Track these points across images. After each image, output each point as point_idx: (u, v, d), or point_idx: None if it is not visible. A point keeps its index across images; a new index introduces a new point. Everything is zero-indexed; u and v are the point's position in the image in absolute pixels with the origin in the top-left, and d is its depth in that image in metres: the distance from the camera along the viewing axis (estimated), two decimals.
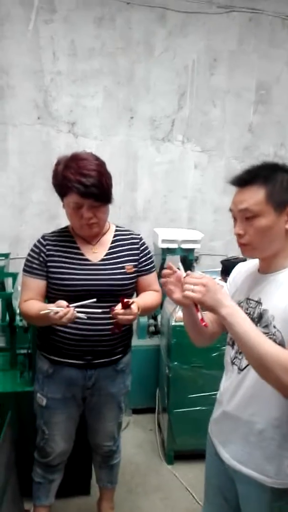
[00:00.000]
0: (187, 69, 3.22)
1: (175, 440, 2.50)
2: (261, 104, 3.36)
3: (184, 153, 3.35)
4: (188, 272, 1.14)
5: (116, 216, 3.37)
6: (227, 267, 2.44)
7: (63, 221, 1.72)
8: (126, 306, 1.46)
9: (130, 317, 1.47)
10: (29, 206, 3.18)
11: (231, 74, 3.28)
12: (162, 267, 3.04)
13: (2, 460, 1.67)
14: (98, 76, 3.10)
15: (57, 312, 1.41)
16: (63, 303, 1.44)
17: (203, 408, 2.44)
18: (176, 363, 2.41)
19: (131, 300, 1.49)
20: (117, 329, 1.55)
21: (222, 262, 2.52)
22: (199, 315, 1.14)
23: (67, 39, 3.02)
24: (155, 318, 3.07)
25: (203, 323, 1.13)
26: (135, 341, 2.91)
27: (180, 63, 3.20)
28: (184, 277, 1.11)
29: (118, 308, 1.46)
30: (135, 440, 2.74)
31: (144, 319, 2.99)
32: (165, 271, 1.20)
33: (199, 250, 3.19)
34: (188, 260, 3.09)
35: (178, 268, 1.20)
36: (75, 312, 1.44)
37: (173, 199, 3.42)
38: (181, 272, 1.18)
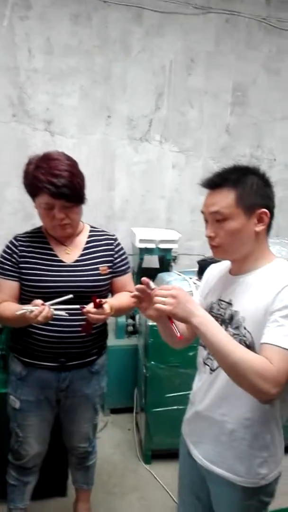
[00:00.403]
0: (165, 69, 3.22)
1: (152, 439, 2.50)
2: (237, 105, 3.39)
3: (161, 153, 3.35)
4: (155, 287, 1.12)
5: (93, 215, 3.38)
6: (203, 267, 2.44)
7: (39, 221, 1.69)
8: (98, 305, 1.45)
9: (102, 316, 1.46)
10: (4, 205, 3.14)
11: (208, 75, 3.30)
12: (140, 267, 3.05)
13: None
14: (75, 74, 3.08)
15: (32, 311, 1.39)
16: (39, 301, 1.42)
17: (180, 407, 2.43)
18: (153, 362, 2.41)
19: (103, 300, 1.48)
20: (87, 328, 1.53)
21: (199, 262, 2.53)
22: (174, 327, 1.13)
23: (43, 36, 2.98)
24: (133, 318, 3.07)
25: (178, 335, 1.12)
26: (114, 341, 2.93)
27: (157, 63, 3.20)
28: (152, 290, 1.11)
29: (90, 307, 1.45)
30: (113, 440, 2.74)
31: (122, 319, 2.98)
32: (139, 286, 1.16)
33: (177, 250, 3.20)
34: (166, 260, 3.11)
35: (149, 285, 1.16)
36: (51, 310, 1.42)
37: (151, 199, 3.42)
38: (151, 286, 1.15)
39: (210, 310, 1.25)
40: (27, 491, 1.85)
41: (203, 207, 1.19)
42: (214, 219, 1.16)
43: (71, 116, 3.13)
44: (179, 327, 1.20)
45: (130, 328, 3.05)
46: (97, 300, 1.44)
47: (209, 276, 1.38)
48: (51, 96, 3.07)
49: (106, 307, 1.47)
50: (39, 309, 1.39)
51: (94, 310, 1.45)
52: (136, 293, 1.15)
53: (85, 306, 1.46)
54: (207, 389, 1.23)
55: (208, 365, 1.24)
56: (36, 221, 1.70)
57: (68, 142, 3.12)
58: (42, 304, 1.41)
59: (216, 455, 1.20)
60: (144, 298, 1.16)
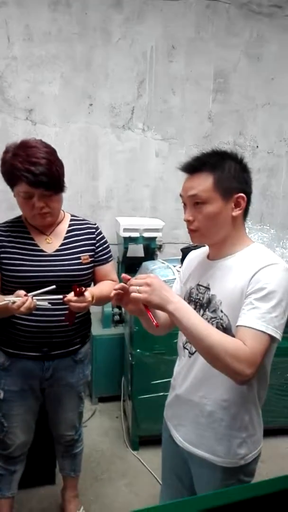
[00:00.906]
0: (146, 56, 3.20)
1: (139, 426, 2.53)
2: (219, 92, 3.38)
3: (145, 141, 3.34)
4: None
5: (78, 205, 3.36)
6: (186, 255, 2.47)
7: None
8: (79, 294, 1.45)
9: (83, 304, 1.46)
10: None
11: (189, 62, 3.28)
12: (125, 257, 3.05)
13: None
14: (55, 62, 3.04)
15: (15, 302, 1.38)
16: (22, 292, 1.42)
17: (166, 393, 2.45)
18: (138, 350, 2.43)
19: (84, 288, 1.48)
20: (70, 318, 1.53)
21: (182, 249, 2.54)
22: (150, 315, 1.14)
23: (21, 23, 2.93)
24: (119, 307, 3.08)
25: (154, 323, 1.13)
26: (100, 330, 2.94)
27: (138, 50, 3.17)
28: (128, 281, 1.12)
29: (71, 295, 1.45)
30: (101, 428, 2.77)
31: (108, 309, 2.99)
32: (118, 285, 1.16)
33: (162, 238, 3.21)
34: (151, 249, 3.11)
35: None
36: (34, 301, 1.42)
37: (136, 187, 3.42)
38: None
39: (189, 296, 1.26)
40: (14, 480, 1.86)
41: (181, 191, 1.20)
42: (192, 202, 1.16)
43: (52, 105, 3.10)
44: (159, 315, 1.21)
45: (117, 318, 3.06)
46: (78, 288, 1.45)
47: (188, 262, 1.39)
48: (32, 84, 3.03)
49: (87, 295, 1.47)
50: (22, 300, 1.39)
51: (75, 298, 1.45)
52: (116, 291, 1.16)
53: (66, 295, 1.46)
54: (187, 373, 1.25)
55: (187, 349, 1.25)
56: (20, 212, 1.69)
57: (50, 131, 3.09)
58: (25, 295, 1.40)
59: (196, 437, 1.23)
60: (124, 294, 1.16)
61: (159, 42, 3.19)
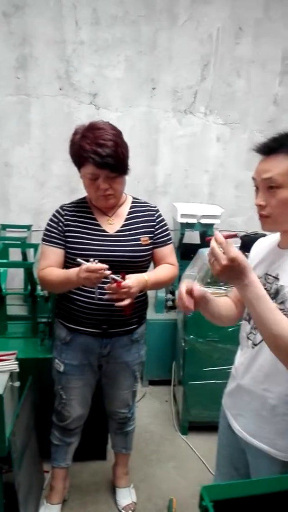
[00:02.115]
0: (211, 38, 3.12)
1: (189, 411, 2.54)
2: (287, 75, 3.24)
3: (206, 125, 3.28)
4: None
5: (135, 190, 3.34)
6: (246, 243, 2.41)
7: (83, 195, 1.72)
8: (120, 282, 1.46)
9: (124, 290, 1.46)
10: (50, 179, 3.20)
11: (256, 43, 3.16)
12: (180, 243, 3.03)
13: (22, 421, 1.75)
14: (120, 45, 3.04)
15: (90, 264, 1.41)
16: (104, 266, 1.43)
17: (218, 381, 2.46)
18: (192, 336, 2.43)
19: (126, 276, 1.48)
20: (127, 308, 1.53)
21: (242, 237, 2.49)
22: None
23: (89, 7, 2.95)
24: (172, 293, 3.08)
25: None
26: (153, 315, 2.96)
27: (204, 32, 3.10)
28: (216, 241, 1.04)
29: (113, 285, 1.46)
30: (151, 410, 2.81)
31: (162, 294, 3.01)
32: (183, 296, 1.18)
33: (219, 225, 3.16)
34: (207, 236, 3.07)
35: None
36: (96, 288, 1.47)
37: (194, 173, 3.37)
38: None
39: None
40: (70, 451, 1.94)
41: (254, 173, 1.14)
42: (266, 186, 1.11)
43: (115, 89, 3.11)
44: (224, 305, 1.24)
45: (170, 303, 3.07)
46: (120, 278, 1.46)
47: (257, 250, 1.34)
48: (97, 68, 3.06)
49: (128, 282, 1.47)
50: (97, 266, 1.40)
51: (114, 285, 1.45)
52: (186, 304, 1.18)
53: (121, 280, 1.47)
54: (249, 364, 1.21)
55: (250, 340, 1.22)
56: (80, 195, 1.73)
57: (112, 116, 3.11)
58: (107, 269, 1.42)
59: (256, 429, 1.20)
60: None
61: (226, 23, 3.10)
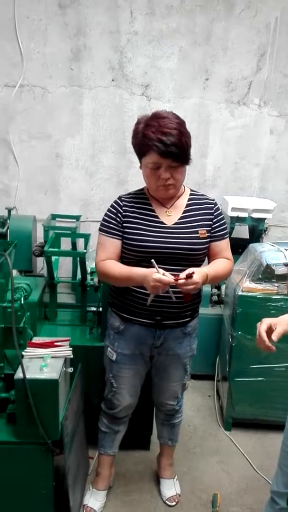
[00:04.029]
0: (269, 28, 3.03)
1: (234, 407, 2.51)
2: None
3: (259, 117, 3.20)
4: None
5: (184, 182, 3.34)
6: None
7: (131, 187, 1.71)
8: (188, 276, 1.45)
9: (191, 286, 1.46)
10: (100, 170, 3.22)
11: None
12: (229, 237, 2.98)
13: (72, 406, 1.78)
14: (175, 36, 3.01)
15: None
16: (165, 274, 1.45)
17: (265, 379, 2.42)
18: (240, 332, 2.39)
19: (193, 270, 1.46)
20: (186, 297, 1.58)
21: None
22: None
23: None
24: (218, 288, 3.05)
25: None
26: None
27: (261, 21, 3.01)
28: None
29: (182, 277, 1.45)
30: (194, 404, 2.80)
31: (207, 288, 2.98)
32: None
33: (269, 221, 3.08)
34: (258, 230, 3.01)
35: None
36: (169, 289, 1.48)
37: (245, 166, 3.30)
38: None
39: None
40: (117, 439, 1.96)
41: None
42: None
43: (168, 80, 3.09)
44: None
45: (215, 298, 3.04)
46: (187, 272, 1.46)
47: None
48: (150, 59, 3.04)
49: (196, 277, 1.45)
50: (169, 279, 1.42)
51: (183, 281, 1.45)
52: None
53: (179, 277, 1.47)
54: None
55: None
56: (128, 187, 1.72)
57: (163, 107, 3.08)
58: (174, 279, 1.44)
59: None
60: None
61: (284, 12, 3.00)
